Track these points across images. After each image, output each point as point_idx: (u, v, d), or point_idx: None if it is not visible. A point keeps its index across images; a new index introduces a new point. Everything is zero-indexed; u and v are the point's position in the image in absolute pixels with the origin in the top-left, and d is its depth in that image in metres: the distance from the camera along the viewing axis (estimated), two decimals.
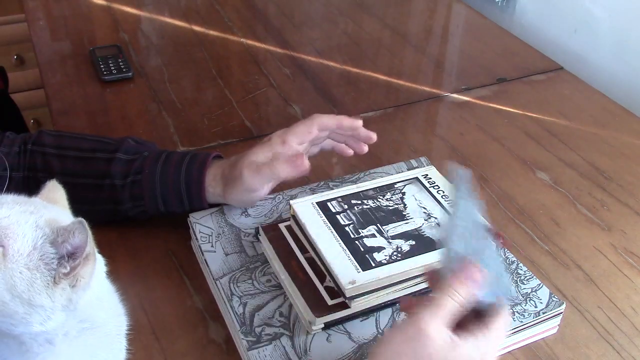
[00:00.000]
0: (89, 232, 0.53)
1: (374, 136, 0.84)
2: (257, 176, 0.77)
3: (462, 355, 0.55)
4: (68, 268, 0.53)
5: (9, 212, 0.53)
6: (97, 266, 0.56)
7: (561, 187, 0.97)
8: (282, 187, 0.90)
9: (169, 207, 0.81)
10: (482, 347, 0.56)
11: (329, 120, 0.81)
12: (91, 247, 0.54)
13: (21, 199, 0.56)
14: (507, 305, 0.59)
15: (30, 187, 0.81)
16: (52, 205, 0.59)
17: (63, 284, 0.53)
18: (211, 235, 0.80)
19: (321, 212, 0.77)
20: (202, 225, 0.81)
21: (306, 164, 0.76)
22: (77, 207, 0.84)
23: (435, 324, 0.54)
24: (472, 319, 0.58)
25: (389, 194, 0.80)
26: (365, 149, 0.86)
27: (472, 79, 1.23)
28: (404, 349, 0.54)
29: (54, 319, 0.53)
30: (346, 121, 0.82)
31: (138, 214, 0.82)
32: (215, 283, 0.75)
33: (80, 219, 0.53)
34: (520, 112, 1.14)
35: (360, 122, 0.82)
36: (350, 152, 0.86)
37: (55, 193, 0.61)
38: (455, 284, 0.56)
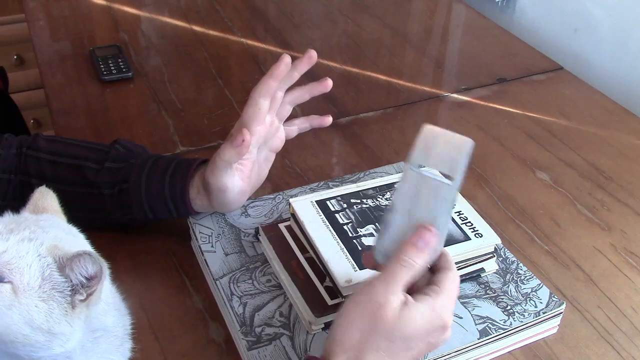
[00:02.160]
0: (104, 264, 0.53)
1: (329, 81, 0.81)
2: (213, 171, 0.75)
3: (418, 319, 0.55)
4: (85, 295, 0.53)
5: (5, 244, 0.52)
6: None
7: (561, 187, 0.97)
8: (282, 187, 0.90)
9: (157, 214, 0.80)
10: (438, 306, 0.56)
11: (266, 82, 0.75)
12: (105, 271, 0.54)
13: (12, 221, 0.55)
14: (450, 259, 0.59)
15: (25, 191, 0.81)
16: (45, 219, 0.57)
17: (80, 307, 0.53)
18: (211, 236, 0.80)
19: (320, 211, 0.77)
20: (202, 225, 0.81)
21: (247, 138, 0.72)
22: (70, 214, 0.84)
23: (390, 294, 0.55)
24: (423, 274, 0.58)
25: (388, 193, 0.80)
26: (329, 119, 0.83)
27: (472, 79, 1.23)
28: (360, 322, 0.55)
29: (73, 339, 0.54)
30: (278, 66, 0.75)
31: (128, 221, 0.82)
32: (215, 283, 0.75)
33: (87, 250, 0.52)
34: (520, 112, 1.14)
35: (287, 58, 0.76)
36: (321, 122, 0.83)
37: (45, 200, 0.60)
38: (410, 251, 0.56)
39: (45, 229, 0.55)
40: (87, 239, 0.86)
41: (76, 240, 0.59)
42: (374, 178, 0.87)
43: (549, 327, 0.73)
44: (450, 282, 0.58)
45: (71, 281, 0.53)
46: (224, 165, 0.74)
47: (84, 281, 0.53)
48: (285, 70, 0.76)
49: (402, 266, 0.56)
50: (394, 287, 0.55)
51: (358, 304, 0.56)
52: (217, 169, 0.74)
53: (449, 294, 0.57)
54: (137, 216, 0.80)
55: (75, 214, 0.86)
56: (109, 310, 0.59)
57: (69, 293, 0.53)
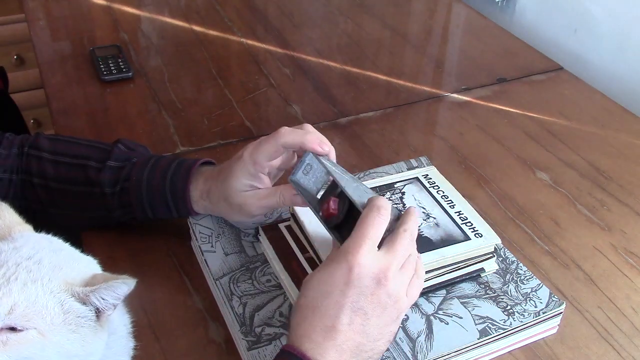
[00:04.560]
0: (134, 279, 0.54)
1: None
2: (261, 208, 0.75)
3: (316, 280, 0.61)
4: (114, 308, 0.54)
5: (11, 299, 0.50)
6: None
7: (561, 187, 0.97)
8: None
9: (157, 214, 0.80)
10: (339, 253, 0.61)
11: (294, 139, 0.71)
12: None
13: (3, 264, 0.52)
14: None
15: (27, 191, 0.81)
16: (22, 243, 0.55)
17: (105, 318, 0.54)
18: (211, 236, 0.80)
19: None
20: (202, 225, 0.81)
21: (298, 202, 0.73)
22: (71, 213, 0.84)
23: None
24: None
25: (388, 193, 0.80)
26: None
27: (472, 79, 1.23)
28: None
29: (102, 348, 0.55)
30: (311, 144, 0.71)
31: (129, 220, 0.82)
32: (215, 283, 0.75)
33: (119, 279, 0.53)
34: (520, 112, 1.14)
35: (328, 150, 0.71)
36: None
37: (4, 218, 0.57)
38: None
39: (35, 258, 0.53)
40: (86, 239, 0.87)
41: (64, 253, 0.57)
42: (374, 178, 0.87)
43: (549, 327, 0.73)
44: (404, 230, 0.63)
45: (96, 306, 0.53)
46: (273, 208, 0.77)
47: (116, 302, 0.54)
48: (313, 151, 0.72)
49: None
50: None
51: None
52: (265, 208, 0.76)
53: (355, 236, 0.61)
54: (137, 215, 0.80)
55: (76, 214, 0.86)
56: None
57: (94, 314, 0.53)
